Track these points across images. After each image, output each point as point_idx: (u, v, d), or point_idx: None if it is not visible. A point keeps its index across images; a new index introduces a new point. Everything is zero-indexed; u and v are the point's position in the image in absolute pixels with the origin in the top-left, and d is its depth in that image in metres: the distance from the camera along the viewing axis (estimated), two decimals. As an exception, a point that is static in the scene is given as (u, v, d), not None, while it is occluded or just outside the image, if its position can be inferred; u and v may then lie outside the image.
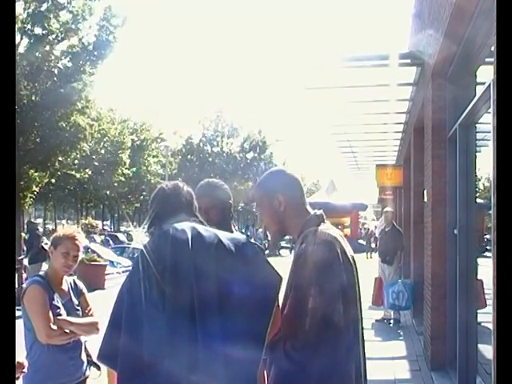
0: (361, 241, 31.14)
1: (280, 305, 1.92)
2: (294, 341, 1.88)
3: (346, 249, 2.05)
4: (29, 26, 15.64)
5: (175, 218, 2.00)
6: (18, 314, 2.25)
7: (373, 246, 27.91)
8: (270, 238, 14.64)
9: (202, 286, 1.76)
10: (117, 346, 1.78)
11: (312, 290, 1.87)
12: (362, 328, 2.12)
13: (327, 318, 1.86)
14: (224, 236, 1.92)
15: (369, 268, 9.63)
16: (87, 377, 3.05)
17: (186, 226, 1.93)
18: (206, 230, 1.94)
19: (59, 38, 16.13)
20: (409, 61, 7.13)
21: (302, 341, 1.87)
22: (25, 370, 2.47)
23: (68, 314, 2.92)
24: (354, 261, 2.12)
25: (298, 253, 2.01)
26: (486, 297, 5.35)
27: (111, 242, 26.99)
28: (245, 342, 1.74)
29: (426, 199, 6.54)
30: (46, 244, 10.20)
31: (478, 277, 5.26)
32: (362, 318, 2.11)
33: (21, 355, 2.50)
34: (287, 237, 2.22)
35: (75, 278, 3.22)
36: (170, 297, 1.75)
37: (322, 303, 1.86)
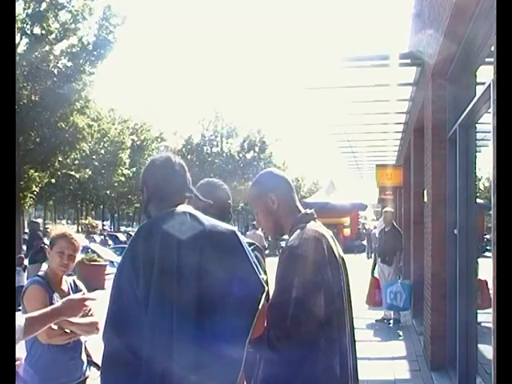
0: (363, 241, 31.10)
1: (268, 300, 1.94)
2: (276, 330, 1.91)
3: (333, 247, 2.11)
4: (28, 26, 15.64)
5: (170, 201, 1.97)
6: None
7: (363, 243, 28.02)
8: (270, 238, 14.64)
9: (185, 284, 1.75)
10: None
11: (296, 280, 1.92)
12: (353, 329, 2.15)
13: (309, 308, 1.91)
14: (215, 231, 1.89)
15: (369, 268, 9.60)
16: (87, 377, 3.05)
17: (176, 217, 1.90)
18: (198, 221, 1.90)
19: (58, 38, 16.11)
20: (409, 61, 7.13)
21: (284, 330, 1.90)
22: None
23: (68, 314, 2.92)
24: (344, 261, 2.18)
25: (286, 246, 2.08)
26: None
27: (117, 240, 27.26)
28: (227, 341, 1.74)
29: (426, 199, 6.53)
30: (46, 244, 10.18)
31: (482, 278, 5.26)
32: (351, 320, 2.14)
33: (20, 356, 2.49)
34: (286, 237, 2.25)
35: (75, 278, 3.22)
36: (155, 294, 1.75)
37: (305, 294, 1.90)
